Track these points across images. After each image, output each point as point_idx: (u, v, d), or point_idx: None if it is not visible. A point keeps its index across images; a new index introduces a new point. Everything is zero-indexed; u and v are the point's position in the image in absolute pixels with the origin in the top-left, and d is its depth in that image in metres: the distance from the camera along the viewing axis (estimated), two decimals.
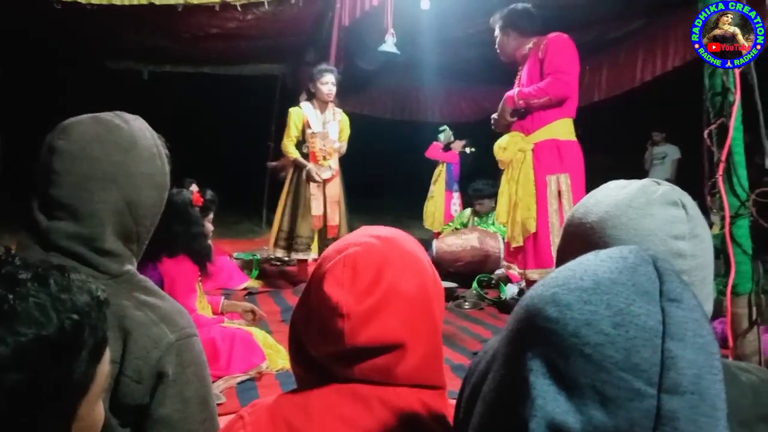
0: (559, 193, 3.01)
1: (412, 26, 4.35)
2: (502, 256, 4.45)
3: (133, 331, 0.89)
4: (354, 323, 0.71)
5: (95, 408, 0.65)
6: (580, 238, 0.76)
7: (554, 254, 2.96)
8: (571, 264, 0.47)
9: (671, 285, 0.43)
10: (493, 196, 5.26)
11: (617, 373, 0.40)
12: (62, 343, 0.57)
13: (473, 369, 0.69)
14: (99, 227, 0.92)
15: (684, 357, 0.40)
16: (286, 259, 4.25)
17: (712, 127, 1.69)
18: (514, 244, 3.14)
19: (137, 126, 0.98)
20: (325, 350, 0.75)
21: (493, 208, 5.26)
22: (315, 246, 4.21)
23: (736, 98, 1.64)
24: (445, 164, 6.26)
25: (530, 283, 3.20)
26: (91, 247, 0.91)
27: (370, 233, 0.80)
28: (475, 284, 4.28)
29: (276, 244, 4.26)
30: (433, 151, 6.37)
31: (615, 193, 0.76)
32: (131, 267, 0.97)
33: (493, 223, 5.12)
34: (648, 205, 0.72)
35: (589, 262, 0.46)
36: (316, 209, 4.13)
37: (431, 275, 0.79)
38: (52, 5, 3.90)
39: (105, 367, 0.65)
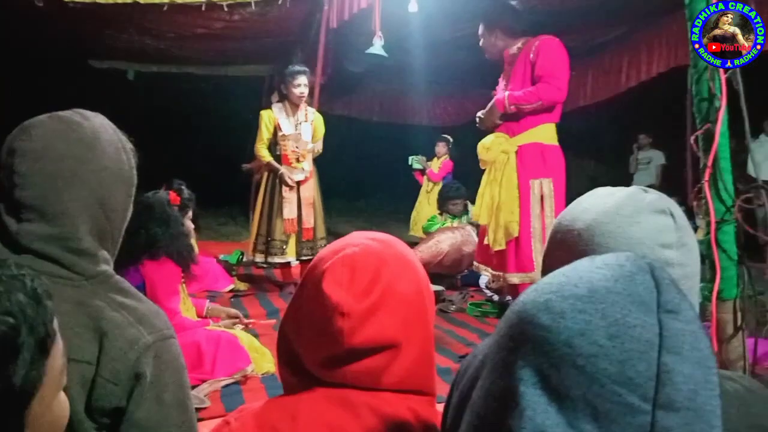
0: (542, 197, 2.99)
1: (400, 29, 4.34)
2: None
3: (110, 332, 0.87)
4: (354, 322, 0.71)
5: (53, 404, 0.62)
6: (567, 245, 0.75)
7: (535, 258, 2.96)
8: (566, 269, 0.46)
9: (669, 295, 0.42)
10: (462, 196, 5.34)
11: (611, 387, 0.39)
12: None
13: (462, 374, 0.68)
14: (71, 226, 0.90)
15: (680, 371, 0.39)
16: (269, 262, 4.19)
17: (699, 132, 1.70)
18: (496, 248, 3.07)
19: (98, 122, 0.96)
20: (319, 353, 0.74)
21: (466, 206, 5.29)
22: (292, 249, 4.14)
23: (722, 104, 1.64)
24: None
25: (511, 287, 3.17)
26: (66, 248, 0.89)
27: (366, 236, 0.80)
28: (471, 309, 4.13)
29: (255, 249, 4.19)
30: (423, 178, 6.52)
31: (602, 200, 0.75)
32: (107, 267, 0.95)
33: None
34: (636, 213, 0.71)
35: (584, 269, 0.45)
36: (289, 213, 4.07)
37: (424, 280, 0.80)
38: (33, 3, 3.83)
39: (56, 362, 0.61)
